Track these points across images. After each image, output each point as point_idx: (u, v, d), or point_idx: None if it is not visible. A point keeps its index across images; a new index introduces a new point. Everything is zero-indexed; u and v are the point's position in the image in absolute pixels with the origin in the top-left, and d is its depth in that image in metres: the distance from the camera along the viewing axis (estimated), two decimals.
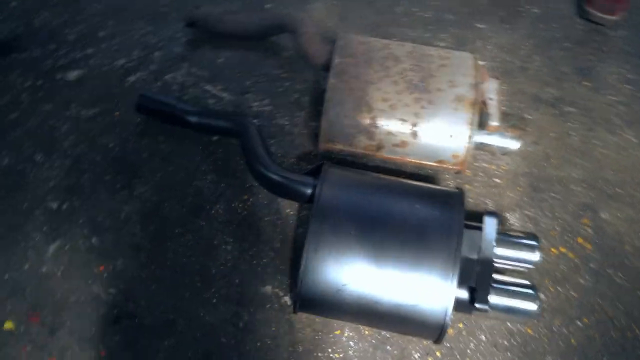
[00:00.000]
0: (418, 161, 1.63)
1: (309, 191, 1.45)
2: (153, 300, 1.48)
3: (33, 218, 1.61)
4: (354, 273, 1.29)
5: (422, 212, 1.36)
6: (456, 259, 1.28)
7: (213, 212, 1.64)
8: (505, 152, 1.69)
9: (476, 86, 1.59)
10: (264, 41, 2.09)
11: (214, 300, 1.49)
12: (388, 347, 1.45)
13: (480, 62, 1.76)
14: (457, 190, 1.44)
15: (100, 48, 2.07)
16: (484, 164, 1.78)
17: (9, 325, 1.44)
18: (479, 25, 2.24)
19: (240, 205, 1.66)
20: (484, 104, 1.64)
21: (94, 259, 1.55)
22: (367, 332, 1.46)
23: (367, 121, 1.58)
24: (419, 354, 1.45)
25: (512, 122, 1.84)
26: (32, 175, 1.70)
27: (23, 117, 1.83)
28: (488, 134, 1.64)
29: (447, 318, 1.27)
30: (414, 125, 1.57)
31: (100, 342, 1.41)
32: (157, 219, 1.62)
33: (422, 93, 1.58)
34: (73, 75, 1.98)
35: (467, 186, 1.73)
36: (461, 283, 1.30)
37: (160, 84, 1.94)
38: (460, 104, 1.56)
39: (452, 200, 1.40)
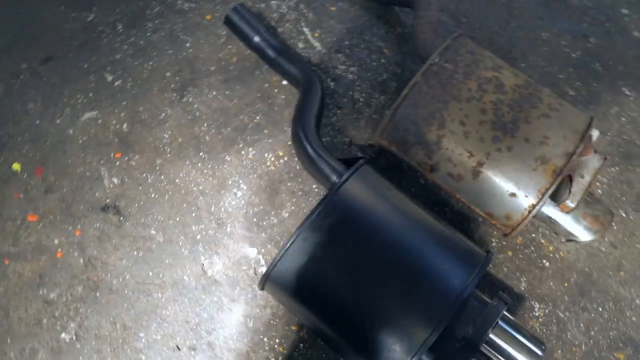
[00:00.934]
0: (467, 202, 1.43)
1: (333, 178, 1.32)
2: (145, 207, 1.46)
3: (86, 80, 1.62)
4: (329, 282, 1.16)
5: (432, 258, 1.19)
6: (440, 324, 1.11)
7: (243, 152, 1.56)
8: (571, 238, 1.44)
9: (572, 156, 1.33)
10: (386, 7, 1.91)
11: (198, 237, 1.44)
12: None
13: (596, 131, 1.48)
14: (483, 254, 1.24)
15: None
16: (541, 239, 1.54)
17: (16, 166, 1.49)
18: (625, 91, 1.89)
19: (271, 159, 1.56)
20: (570, 178, 1.38)
21: (115, 144, 1.54)
22: (322, 344, 1.35)
23: (433, 137, 1.39)
24: None
25: (597, 211, 1.55)
26: (106, 41, 1.70)
27: None
28: (560, 211, 1.40)
29: None
30: (480, 164, 1.36)
31: (80, 222, 1.42)
32: (189, 134, 1.57)
33: (506, 135, 1.35)
34: None
35: (509, 253, 1.51)
36: (431, 350, 1.13)
37: (263, 5, 1.85)
38: (542, 167, 1.32)
39: (473, 262, 1.20)
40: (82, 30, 1.71)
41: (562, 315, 1.44)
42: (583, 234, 1.43)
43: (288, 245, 1.17)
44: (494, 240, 1.53)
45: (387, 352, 1.12)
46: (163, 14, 1.77)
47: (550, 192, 1.32)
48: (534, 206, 1.33)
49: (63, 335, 1.32)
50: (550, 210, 1.42)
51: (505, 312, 1.20)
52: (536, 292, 1.47)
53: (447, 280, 1.16)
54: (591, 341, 1.42)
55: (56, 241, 1.42)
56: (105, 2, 1.77)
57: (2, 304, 1.36)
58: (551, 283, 1.49)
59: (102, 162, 1.51)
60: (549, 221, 1.44)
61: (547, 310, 1.45)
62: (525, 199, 1.33)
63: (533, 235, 1.55)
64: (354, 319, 1.14)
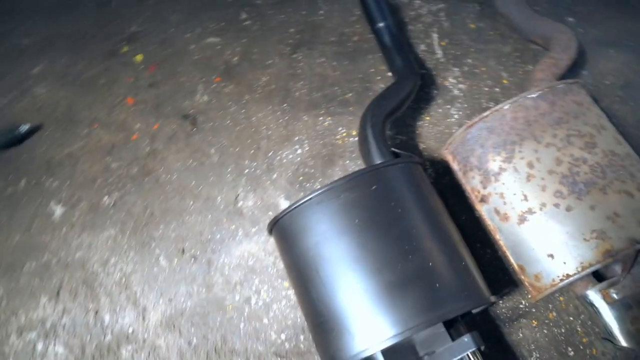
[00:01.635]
0: (503, 246, 1.33)
1: (374, 160, 1.33)
2: (217, 129, 1.61)
3: (224, 11, 1.83)
4: (323, 251, 1.17)
5: (432, 271, 1.13)
6: (406, 332, 1.06)
7: (321, 119, 1.63)
8: (608, 338, 1.27)
9: (636, 244, 1.17)
10: (526, 43, 1.82)
11: (246, 171, 1.54)
12: (302, 337, 1.34)
13: None
14: (488, 299, 1.15)
15: None
16: (578, 327, 1.36)
17: (139, 57, 1.74)
18: None
19: (342, 134, 1.60)
20: (625, 266, 1.21)
21: (220, 70, 1.72)
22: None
23: (495, 167, 1.32)
24: None
25: None
26: None
27: None
28: (601, 299, 1.24)
29: None
30: (530, 212, 1.25)
31: (162, 119, 1.61)
32: (282, 85, 1.69)
33: (572, 194, 1.23)
34: None
35: (533, 322, 1.36)
36: (385, 353, 1.09)
37: (406, 0, 1.88)
38: (596, 242, 1.18)
39: (470, 295, 1.13)
40: None
41: None
42: (624, 338, 1.24)
43: (302, 200, 1.21)
44: (523, 301, 1.40)
45: (344, 339, 1.11)
46: None
47: (592, 270, 1.18)
48: (568, 276, 1.19)
49: (105, 198, 1.53)
50: (595, 296, 1.26)
51: (477, 355, 1.11)
52: None
53: (435, 297, 1.10)
54: None
55: (137, 125, 1.63)
56: None
57: (77, 155, 1.61)
58: None
59: (202, 79, 1.69)
60: (592, 309, 1.28)
61: None
62: (561, 266, 1.20)
63: (571, 318, 1.37)
64: (330, 296, 1.14)
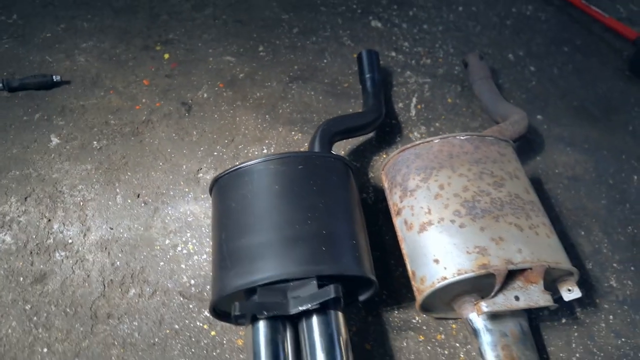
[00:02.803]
0: (404, 254, 1.46)
1: (313, 149, 1.58)
2: (204, 118, 1.90)
3: (245, 41, 2.21)
4: (244, 201, 1.37)
5: (324, 238, 1.30)
6: (283, 276, 1.22)
7: (293, 133, 1.89)
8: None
9: (510, 265, 1.28)
10: (495, 123, 2.05)
11: (215, 153, 1.79)
12: (208, 287, 1.48)
13: (576, 292, 1.36)
14: (363, 273, 1.29)
15: None
16: (461, 354, 1.43)
17: (166, 55, 2.12)
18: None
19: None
20: (499, 282, 1.31)
21: (226, 80, 2.05)
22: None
23: (412, 185, 1.50)
24: None
25: (522, 354, 1.35)
26: (279, 31, 2.28)
27: None
28: (476, 314, 1.34)
29: (220, 295, 1.26)
30: (430, 223, 1.41)
31: (164, 100, 1.92)
32: (271, 102, 1.99)
33: (467, 215, 1.39)
34: None
35: (420, 337, 1.45)
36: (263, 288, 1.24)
37: (398, 70, 2.20)
38: (475, 255, 1.31)
39: (349, 268, 1.28)
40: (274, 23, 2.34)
41: None
42: (489, 351, 1.33)
43: (241, 165, 1.43)
44: (417, 317, 1.49)
45: (232, 275, 1.27)
46: (331, 36, 2.29)
47: (466, 276, 1.30)
48: (444, 279, 1.32)
49: (95, 142, 1.81)
50: (475, 317, 1.36)
51: (339, 317, 1.24)
52: None
53: (317, 256, 1.26)
54: None
55: (144, 100, 1.95)
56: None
57: (88, 107, 1.94)
58: None
59: (209, 82, 2.02)
60: (473, 331, 1.37)
61: None
62: (442, 270, 1.34)
63: (457, 344, 1.45)
64: (234, 238, 1.32)
